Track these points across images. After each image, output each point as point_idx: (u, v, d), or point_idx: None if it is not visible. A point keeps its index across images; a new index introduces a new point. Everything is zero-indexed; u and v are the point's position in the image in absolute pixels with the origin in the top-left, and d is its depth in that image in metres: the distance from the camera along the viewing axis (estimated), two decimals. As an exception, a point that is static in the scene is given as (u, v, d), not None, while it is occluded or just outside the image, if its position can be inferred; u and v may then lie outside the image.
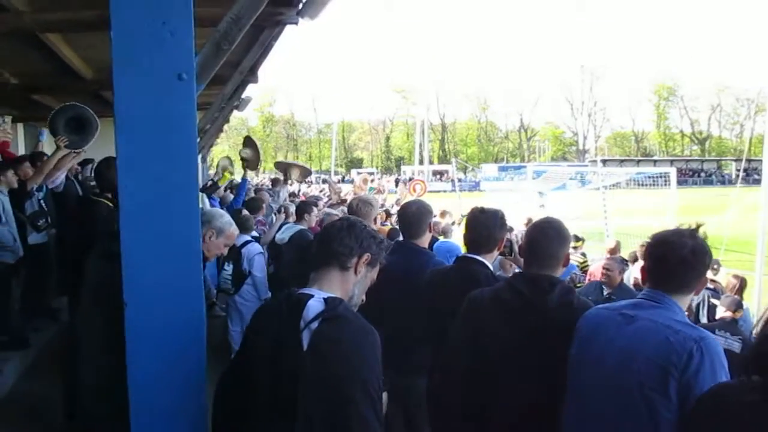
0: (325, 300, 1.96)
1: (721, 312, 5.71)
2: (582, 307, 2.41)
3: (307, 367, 1.87)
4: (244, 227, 6.24)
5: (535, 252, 2.55)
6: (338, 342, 1.89)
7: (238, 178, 11.12)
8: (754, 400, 1.43)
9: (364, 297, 2.20)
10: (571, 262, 8.72)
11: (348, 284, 2.09)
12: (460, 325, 2.63)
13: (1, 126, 4.64)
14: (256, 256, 5.90)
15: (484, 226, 3.11)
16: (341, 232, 2.09)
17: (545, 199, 21.52)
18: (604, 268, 6.35)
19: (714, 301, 6.71)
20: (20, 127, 11.26)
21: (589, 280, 7.40)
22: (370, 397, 1.87)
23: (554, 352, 2.32)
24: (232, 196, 9.61)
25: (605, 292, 6.12)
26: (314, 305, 1.95)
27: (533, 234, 2.59)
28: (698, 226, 2.16)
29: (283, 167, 8.94)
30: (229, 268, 5.90)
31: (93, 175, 6.45)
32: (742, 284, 6.95)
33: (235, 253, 5.88)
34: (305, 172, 9.22)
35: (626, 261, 8.72)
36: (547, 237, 2.54)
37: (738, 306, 5.77)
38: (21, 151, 10.14)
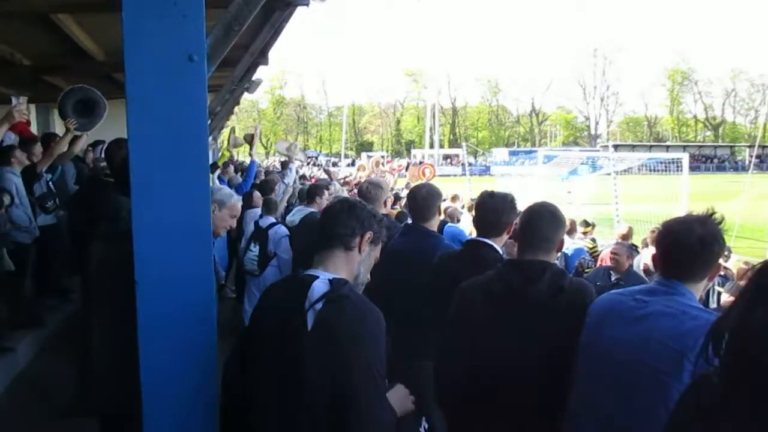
0: (330, 281, 1.98)
1: (726, 298, 5.74)
2: (574, 290, 2.40)
3: (311, 347, 1.90)
4: (269, 209, 6.27)
5: (529, 235, 2.52)
6: (342, 322, 1.91)
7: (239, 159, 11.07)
8: (715, 391, 1.40)
9: (369, 276, 2.22)
10: (581, 246, 8.72)
11: (353, 264, 2.12)
12: (453, 315, 2.64)
13: (17, 107, 4.67)
14: (282, 238, 5.91)
15: (493, 209, 3.11)
16: (342, 214, 2.12)
17: (572, 183, 21.40)
18: (612, 253, 6.33)
19: (718, 288, 6.70)
20: (32, 108, 11.31)
21: (600, 265, 7.39)
22: (374, 377, 1.90)
23: (549, 336, 2.33)
24: (240, 179, 9.63)
25: (613, 278, 6.11)
26: (319, 286, 1.97)
27: (527, 217, 2.57)
28: (712, 213, 2.12)
29: (284, 149, 8.87)
30: (255, 249, 5.93)
31: (103, 155, 6.49)
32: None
33: (262, 234, 5.91)
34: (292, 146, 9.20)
35: (635, 246, 8.69)
36: (542, 219, 2.51)
37: None
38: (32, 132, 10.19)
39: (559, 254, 8.58)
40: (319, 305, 1.93)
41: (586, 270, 7.52)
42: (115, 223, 2.83)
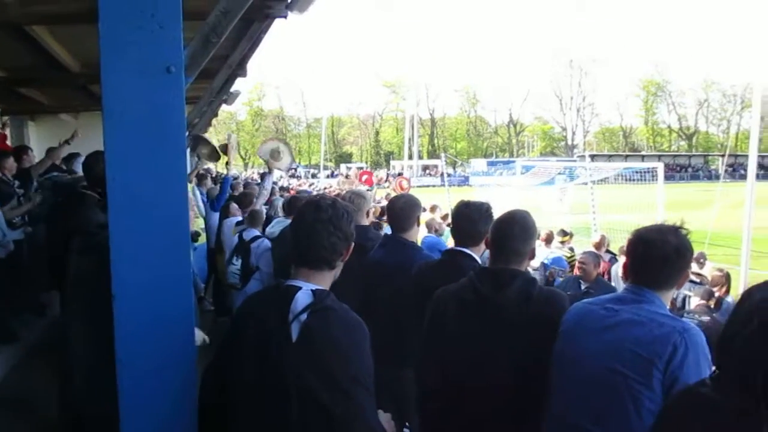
0: (314, 292, 1.97)
1: (696, 301, 6.10)
2: (544, 300, 2.41)
3: (296, 359, 1.88)
4: (254, 221, 6.21)
5: (499, 246, 2.54)
6: (328, 334, 1.90)
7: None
8: (707, 405, 1.42)
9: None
10: (560, 255, 8.81)
11: (334, 275, 2.10)
12: (427, 323, 2.66)
13: None
14: (265, 252, 5.83)
15: (469, 219, 3.12)
16: (324, 235, 1.98)
17: (565, 192, 21.61)
18: (579, 262, 6.49)
19: (686, 292, 6.88)
20: (6, 120, 11.15)
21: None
22: (364, 387, 1.89)
23: (517, 344, 2.35)
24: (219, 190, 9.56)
25: (583, 287, 6.21)
26: (303, 297, 1.95)
27: (498, 228, 2.59)
28: (681, 224, 2.18)
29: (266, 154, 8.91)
30: (237, 263, 5.85)
31: (82, 168, 6.46)
32: (727, 279, 7.10)
33: (245, 247, 5.85)
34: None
35: (614, 255, 8.82)
36: (512, 230, 2.53)
37: (710, 295, 6.28)
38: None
39: (539, 264, 8.72)
40: (303, 316, 1.91)
41: (559, 277, 7.63)
42: (91, 235, 2.80)
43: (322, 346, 1.89)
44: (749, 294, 1.50)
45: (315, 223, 2.00)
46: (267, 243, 5.89)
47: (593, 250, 8.21)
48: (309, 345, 1.89)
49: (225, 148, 9.15)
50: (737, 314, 1.47)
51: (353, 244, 2.11)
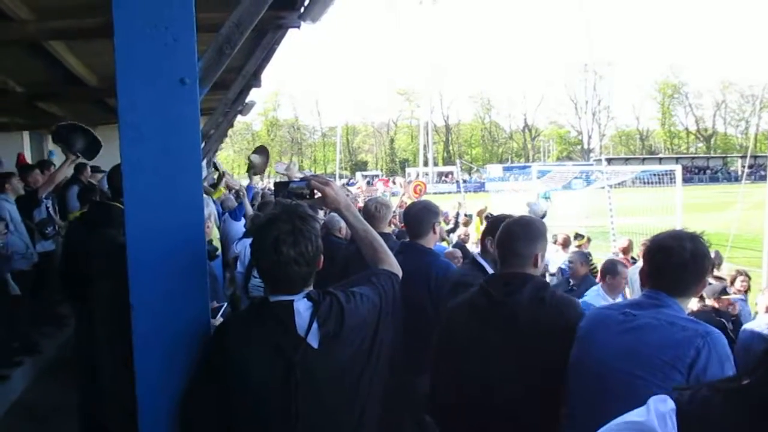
0: (309, 297, 1.93)
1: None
2: (556, 305, 2.39)
3: (331, 360, 1.89)
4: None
5: (504, 251, 2.52)
6: (344, 315, 1.92)
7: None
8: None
9: None
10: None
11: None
12: (441, 330, 2.65)
13: None
14: None
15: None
16: (294, 265, 1.89)
17: (549, 203, 21.25)
18: (568, 261, 6.94)
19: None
20: (26, 135, 11.33)
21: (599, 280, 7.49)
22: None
23: (530, 350, 2.32)
24: (235, 201, 9.56)
25: (570, 284, 6.70)
26: (302, 308, 1.90)
27: (501, 234, 2.56)
28: (701, 233, 2.18)
29: (283, 170, 8.96)
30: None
31: (107, 180, 6.53)
32: (746, 279, 7.04)
33: None
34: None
35: (635, 259, 8.73)
36: (514, 236, 2.50)
37: (721, 293, 6.09)
38: (27, 159, 10.18)
39: (556, 269, 8.70)
40: (315, 325, 1.87)
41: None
42: (109, 258, 2.83)
43: (349, 322, 1.91)
44: None
45: (280, 262, 1.90)
46: None
47: (621, 254, 8.60)
48: (335, 338, 1.89)
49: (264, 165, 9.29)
50: None
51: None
